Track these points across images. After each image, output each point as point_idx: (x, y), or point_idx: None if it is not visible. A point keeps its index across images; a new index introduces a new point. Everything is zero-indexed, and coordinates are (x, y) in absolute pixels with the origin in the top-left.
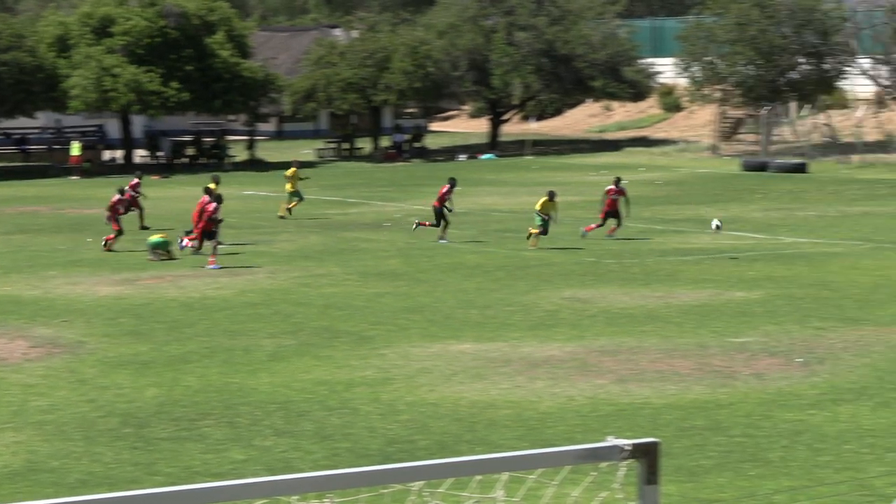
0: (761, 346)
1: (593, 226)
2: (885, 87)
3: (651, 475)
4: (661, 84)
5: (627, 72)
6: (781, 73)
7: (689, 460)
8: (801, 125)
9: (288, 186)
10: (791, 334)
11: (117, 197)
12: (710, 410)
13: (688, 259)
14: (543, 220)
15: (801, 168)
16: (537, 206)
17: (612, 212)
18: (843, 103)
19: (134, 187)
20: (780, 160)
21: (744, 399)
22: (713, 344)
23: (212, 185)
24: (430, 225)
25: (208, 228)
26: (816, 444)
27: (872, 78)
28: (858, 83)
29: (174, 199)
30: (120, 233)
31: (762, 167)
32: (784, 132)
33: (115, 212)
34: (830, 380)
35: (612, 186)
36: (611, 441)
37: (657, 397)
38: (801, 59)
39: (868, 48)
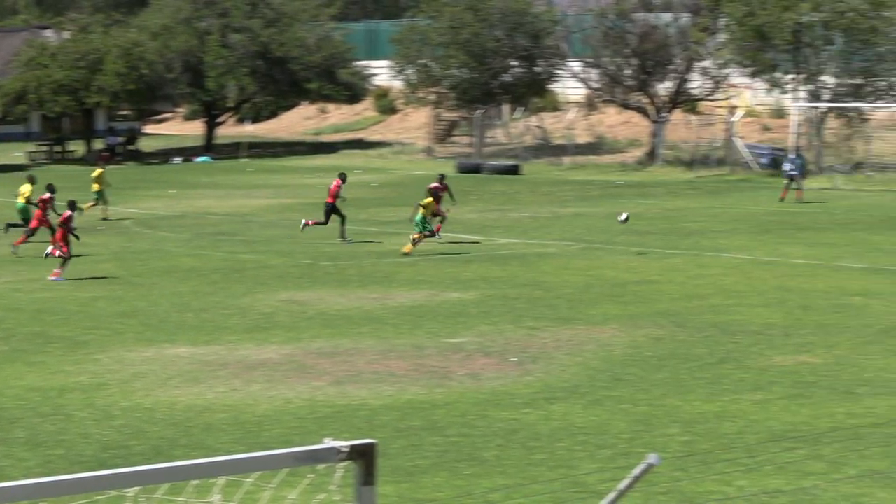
0: (476, 347)
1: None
2: (596, 89)
3: (368, 476)
4: (377, 86)
5: (343, 74)
6: (494, 76)
7: (405, 461)
8: (514, 127)
9: (95, 186)
10: (505, 334)
11: None
12: (427, 411)
13: (404, 261)
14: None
15: (514, 170)
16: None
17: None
18: (555, 106)
19: None
20: (493, 162)
21: (459, 399)
22: (429, 345)
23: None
24: (315, 223)
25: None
26: (530, 443)
27: (583, 81)
28: (569, 86)
29: None
30: None
31: (476, 169)
32: (497, 134)
33: None
34: (544, 379)
35: (436, 184)
36: (328, 443)
37: (374, 398)
38: (514, 63)
39: (578, 51)
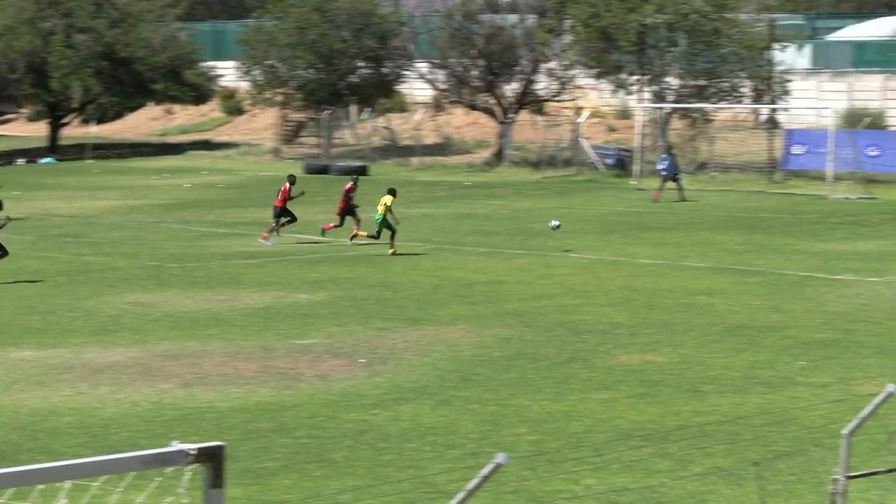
0: (325, 348)
1: (332, 224)
2: (443, 91)
3: (216, 479)
4: (223, 87)
5: (189, 75)
6: (341, 77)
7: (255, 462)
8: (362, 128)
9: None
10: (354, 335)
11: None
12: (276, 412)
13: (251, 262)
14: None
15: (362, 170)
16: (380, 208)
17: (346, 209)
18: (403, 107)
19: None
20: (341, 163)
21: (308, 400)
22: (278, 346)
23: None
24: (286, 223)
25: None
26: (380, 444)
27: (430, 82)
28: (417, 87)
29: None
30: None
31: (324, 170)
32: (345, 135)
33: None
34: (393, 379)
35: (350, 184)
36: (176, 446)
37: (222, 401)
38: (361, 64)
39: (425, 53)
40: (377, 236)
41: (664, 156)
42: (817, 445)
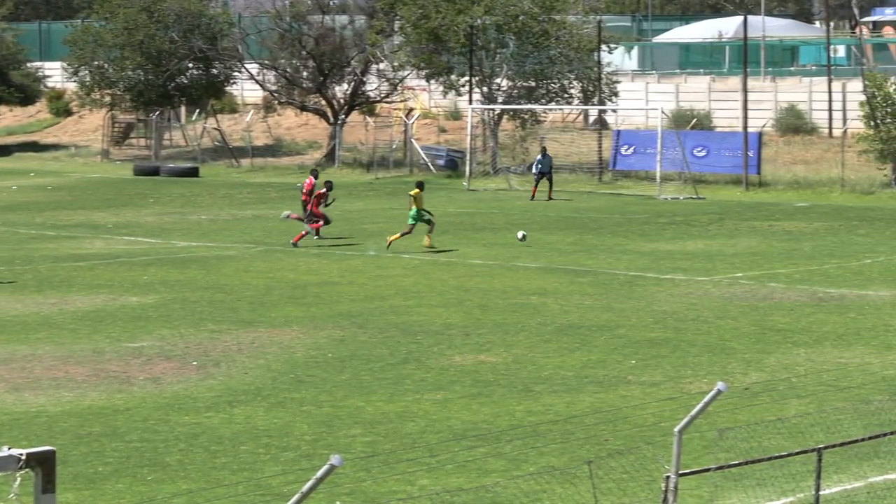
0: (157, 351)
1: (319, 224)
2: (273, 92)
3: (48, 484)
4: (51, 88)
5: (15, 76)
6: (171, 78)
7: (87, 467)
8: (192, 130)
9: None
10: (186, 338)
11: None
12: (107, 416)
13: (82, 265)
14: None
15: (192, 172)
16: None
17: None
18: (233, 108)
19: None
20: (171, 164)
21: (141, 404)
22: (109, 349)
23: None
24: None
25: None
26: (213, 447)
27: (260, 83)
28: (247, 88)
29: None
30: None
31: (154, 171)
32: (175, 136)
33: None
34: (226, 382)
35: (323, 189)
36: (5, 451)
37: (53, 405)
38: (190, 64)
39: (255, 53)
40: (410, 231)
41: (540, 157)
42: (649, 443)
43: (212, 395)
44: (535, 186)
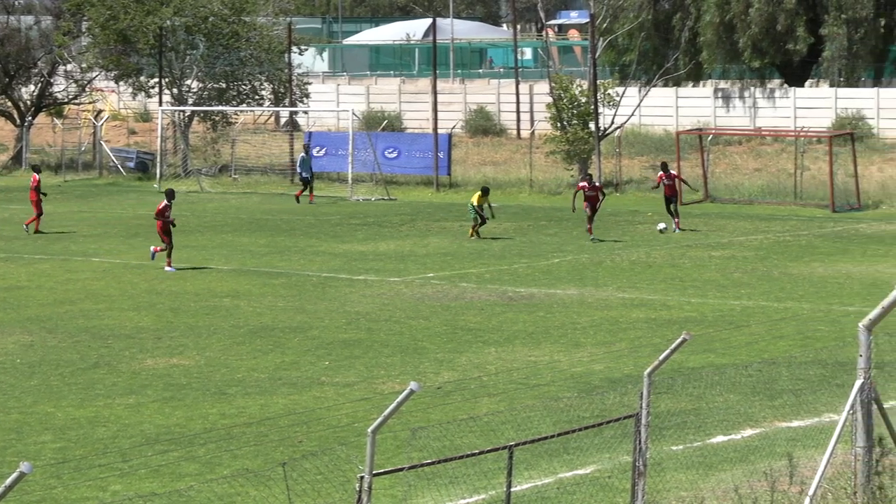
0: None
1: (158, 248)
2: None
3: None
4: None
5: None
6: None
7: None
8: None
9: None
10: None
11: None
12: None
13: None
14: (477, 213)
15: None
16: (473, 201)
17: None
18: None
19: None
20: None
21: None
22: None
23: None
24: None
25: None
26: None
27: None
28: None
29: None
30: None
31: None
32: None
33: None
34: None
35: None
36: None
37: None
38: None
39: None
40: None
41: (302, 155)
42: (343, 444)
43: None
44: (311, 192)
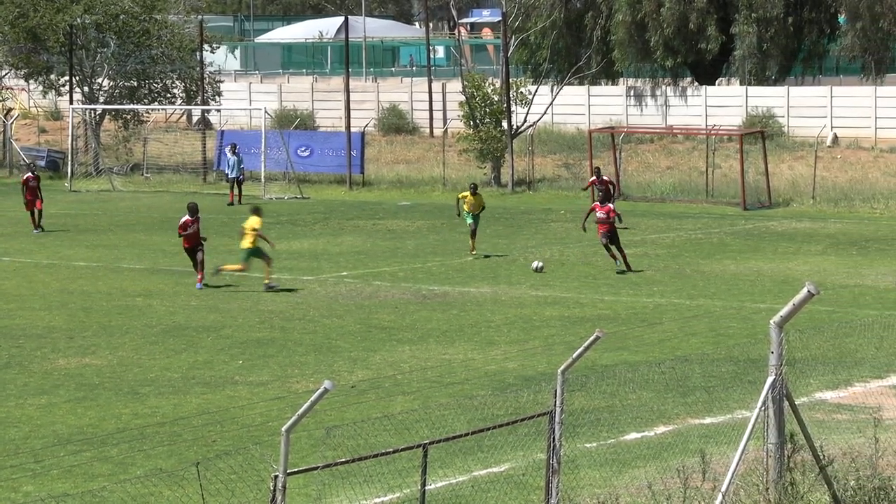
0: None
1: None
2: None
3: None
4: None
5: None
6: None
7: None
8: None
9: None
10: None
11: None
12: None
13: None
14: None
15: None
16: (465, 207)
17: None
18: None
19: None
20: None
21: None
22: None
23: None
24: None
25: None
26: None
27: None
28: None
29: None
30: None
31: None
32: None
33: None
34: None
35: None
36: None
37: None
38: None
39: None
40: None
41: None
42: (257, 443)
43: None
44: (232, 191)
